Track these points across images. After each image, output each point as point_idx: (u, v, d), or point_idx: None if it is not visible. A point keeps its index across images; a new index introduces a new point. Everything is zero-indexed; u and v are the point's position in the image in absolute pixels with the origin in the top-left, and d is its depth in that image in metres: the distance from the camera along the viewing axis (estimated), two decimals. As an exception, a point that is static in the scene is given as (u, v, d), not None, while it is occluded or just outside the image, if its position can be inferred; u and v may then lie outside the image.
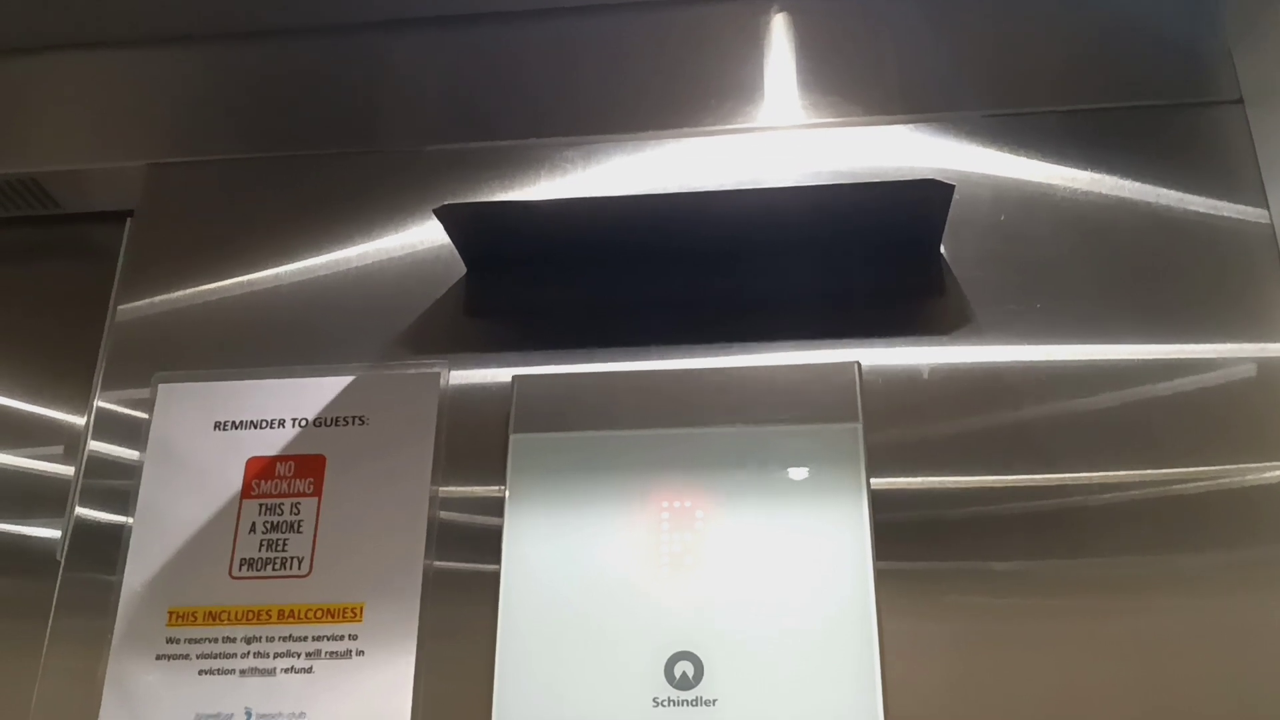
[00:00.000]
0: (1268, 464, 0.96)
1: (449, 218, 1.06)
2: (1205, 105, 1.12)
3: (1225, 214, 1.07)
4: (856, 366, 1.03)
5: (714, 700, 0.92)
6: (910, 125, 1.15)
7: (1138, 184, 1.09)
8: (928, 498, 0.99)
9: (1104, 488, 0.97)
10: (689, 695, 0.93)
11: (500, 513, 1.01)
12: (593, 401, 1.05)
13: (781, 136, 1.16)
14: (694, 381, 1.04)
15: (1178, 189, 1.08)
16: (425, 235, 1.16)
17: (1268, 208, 1.06)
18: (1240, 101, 1.11)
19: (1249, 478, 0.96)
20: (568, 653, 0.95)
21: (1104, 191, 1.09)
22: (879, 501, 0.98)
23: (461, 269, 1.13)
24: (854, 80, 1.18)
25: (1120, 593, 0.93)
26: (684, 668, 0.94)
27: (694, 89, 1.19)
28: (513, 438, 1.04)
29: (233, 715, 0.97)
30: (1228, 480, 0.96)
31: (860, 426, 1.01)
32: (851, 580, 0.95)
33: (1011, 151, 1.12)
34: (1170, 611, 0.92)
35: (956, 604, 0.95)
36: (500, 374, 1.08)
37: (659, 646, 0.94)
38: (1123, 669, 0.91)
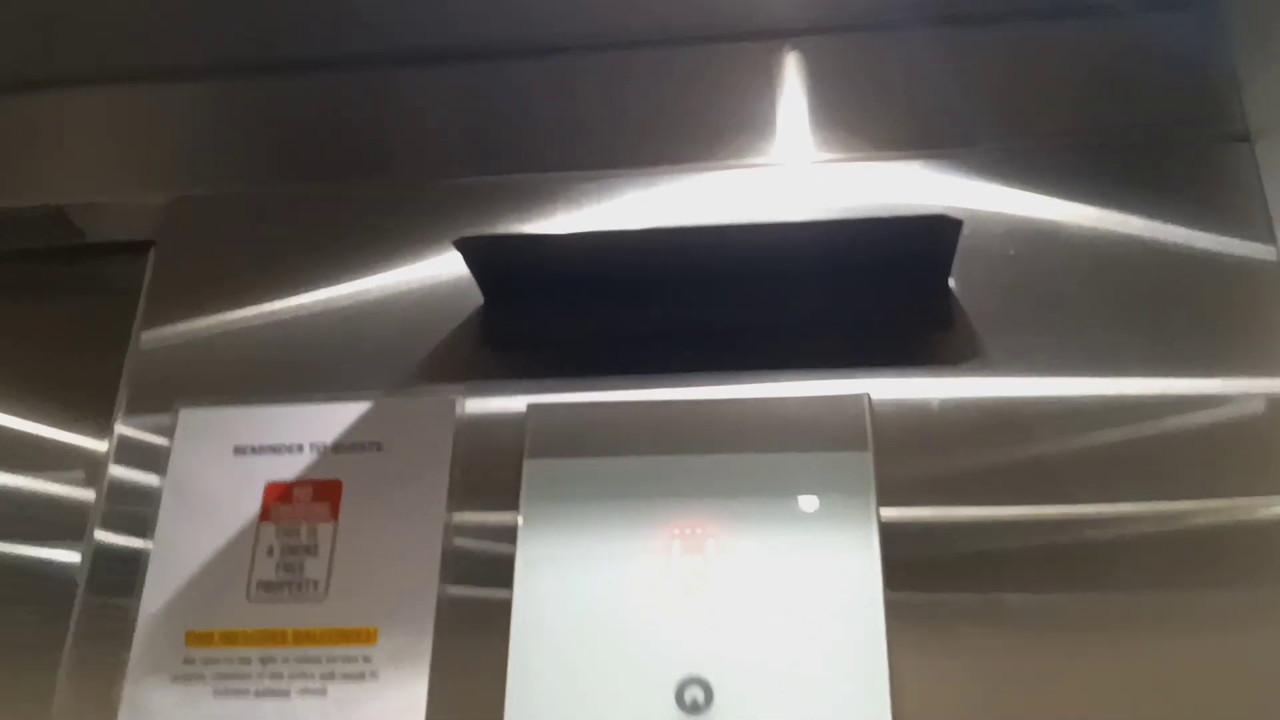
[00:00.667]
0: (1278, 498, 0.96)
1: (469, 249, 1.07)
2: (1213, 141, 1.12)
3: (1233, 250, 1.07)
4: (867, 399, 1.04)
5: (724, 726, 0.92)
6: (921, 161, 1.16)
7: (1146, 220, 1.09)
8: (939, 529, 0.99)
9: (1115, 521, 0.97)
10: (699, 721, 0.93)
11: (513, 540, 1.01)
12: (606, 429, 1.05)
13: (793, 172, 1.17)
14: (706, 410, 1.05)
15: (1186, 225, 1.08)
16: (442, 267, 1.17)
17: (1275, 244, 1.06)
18: (1248, 139, 1.12)
19: (1260, 513, 0.96)
20: (579, 676, 0.95)
21: (1112, 227, 1.10)
22: (890, 533, 0.98)
23: (476, 299, 1.14)
24: (865, 117, 1.19)
25: (1132, 627, 0.93)
26: (694, 693, 0.93)
27: (707, 125, 1.21)
28: (526, 464, 1.04)
29: (247, 736, 0.97)
30: (1239, 514, 0.96)
31: (870, 456, 1.01)
32: (861, 609, 0.95)
33: (1021, 186, 1.13)
34: (1183, 646, 0.92)
35: (968, 636, 0.94)
36: (515, 402, 1.08)
37: (669, 671, 0.94)
38: (1136, 704, 0.90)
